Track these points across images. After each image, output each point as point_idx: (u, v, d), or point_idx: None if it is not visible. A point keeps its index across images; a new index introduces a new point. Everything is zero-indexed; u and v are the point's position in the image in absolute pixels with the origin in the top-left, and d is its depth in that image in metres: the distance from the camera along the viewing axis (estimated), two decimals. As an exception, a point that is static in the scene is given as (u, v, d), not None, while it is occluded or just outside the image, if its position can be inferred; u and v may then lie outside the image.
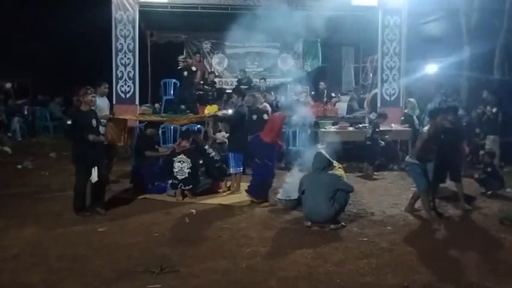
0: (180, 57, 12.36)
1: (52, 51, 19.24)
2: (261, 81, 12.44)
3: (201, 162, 7.71)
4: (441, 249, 5.28)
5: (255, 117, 8.22)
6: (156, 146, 8.75)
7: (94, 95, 6.77)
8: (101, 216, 6.36)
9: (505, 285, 4.36)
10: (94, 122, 6.52)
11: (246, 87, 12.87)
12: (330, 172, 6.23)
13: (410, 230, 5.90)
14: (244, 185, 7.63)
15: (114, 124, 7.81)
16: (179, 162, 7.48)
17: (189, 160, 7.50)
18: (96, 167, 6.36)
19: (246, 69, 14.68)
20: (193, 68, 12.04)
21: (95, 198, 6.58)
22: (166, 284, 4.32)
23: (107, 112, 8.17)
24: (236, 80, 13.81)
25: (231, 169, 7.78)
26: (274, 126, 7.24)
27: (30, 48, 18.10)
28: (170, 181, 7.53)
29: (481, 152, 9.06)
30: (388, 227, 6.00)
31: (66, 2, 18.51)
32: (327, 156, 6.25)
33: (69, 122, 6.38)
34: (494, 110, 8.99)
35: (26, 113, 15.40)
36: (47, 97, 17.28)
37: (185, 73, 11.75)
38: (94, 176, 6.35)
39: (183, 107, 11.38)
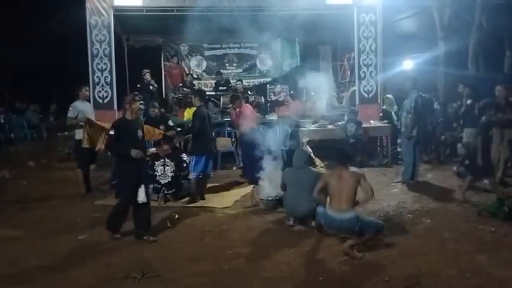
0: (145, 71, 12.39)
1: (27, 58, 18.96)
2: (238, 83, 12.45)
3: (184, 165, 7.66)
4: (421, 243, 5.35)
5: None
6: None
7: (142, 102, 6.29)
8: (152, 243, 5.55)
9: (484, 275, 4.43)
10: (140, 133, 5.74)
11: (224, 88, 12.88)
12: (311, 168, 6.30)
13: (390, 226, 5.94)
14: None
15: (92, 127, 7.74)
16: (162, 166, 7.43)
17: (172, 163, 7.46)
18: (142, 186, 5.59)
19: (225, 71, 14.70)
20: (151, 88, 12.20)
21: (140, 223, 5.69)
22: (148, 289, 4.31)
23: (92, 117, 8.08)
24: (215, 82, 13.78)
25: (191, 174, 7.42)
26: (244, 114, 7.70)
27: (4, 56, 17.81)
28: (152, 185, 7.46)
29: (459, 145, 9.18)
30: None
31: (41, 8, 18.29)
32: (308, 152, 6.31)
33: (111, 133, 5.56)
34: (469, 101, 9.12)
35: (2, 121, 15.12)
36: (24, 105, 17.02)
37: (151, 87, 12.13)
38: (141, 196, 5.57)
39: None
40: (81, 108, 7.89)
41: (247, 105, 9.19)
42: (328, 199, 5.28)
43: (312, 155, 7.13)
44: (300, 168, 6.13)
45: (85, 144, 7.69)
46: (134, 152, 5.45)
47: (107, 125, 8.16)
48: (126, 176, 5.62)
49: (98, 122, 7.93)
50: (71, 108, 7.87)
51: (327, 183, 5.23)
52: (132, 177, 5.55)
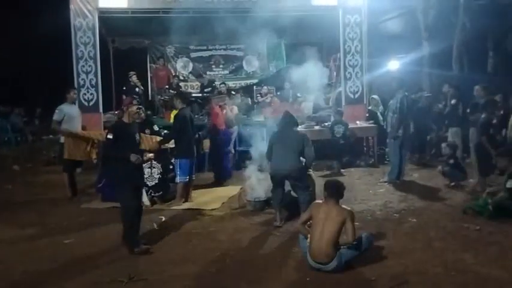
0: (131, 73, 12.45)
1: (11, 61, 18.75)
2: (221, 85, 12.43)
3: (171, 167, 7.62)
4: (407, 242, 5.38)
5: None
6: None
7: (140, 106, 6.10)
8: (146, 253, 5.23)
9: (470, 273, 4.48)
10: (137, 136, 5.64)
11: (209, 89, 12.85)
12: (297, 130, 6.50)
13: (377, 225, 5.99)
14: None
15: (75, 139, 7.70)
16: (149, 168, 7.38)
17: (159, 165, 7.42)
18: (143, 189, 5.44)
19: (212, 72, 14.68)
20: (137, 90, 12.25)
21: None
22: (135, 293, 4.28)
23: (79, 120, 8.04)
24: (200, 85, 13.76)
25: (177, 178, 7.33)
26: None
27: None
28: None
29: (443, 145, 9.27)
30: (356, 223, 6.04)
31: (24, 10, 18.10)
32: (294, 116, 6.54)
33: (110, 137, 5.35)
34: (453, 101, 9.22)
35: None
36: (7, 108, 16.81)
37: (137, 89, 12.18)
38: (145, 200, 5.47)
39: None
40: (68, 111, 7.83)
41: (217, 107, 9.33)
42: (309, 237, 4.71)
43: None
44: (287, 130, 6.27)
45: (65, 156, 7.74)
46: (134, 158, 5.30)
47: (94, 134, 8.11)
48: (125, 180, 5.36)
49: (83, 133, 7.87)
50: (56, 111, 7.80)
51: (312, 216, 4.77)
52: (132, 182, 5.40)
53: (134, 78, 12.27)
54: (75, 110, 8.12)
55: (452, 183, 7.82)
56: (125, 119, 5.57)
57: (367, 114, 10.90)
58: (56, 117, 7.76)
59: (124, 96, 12.24)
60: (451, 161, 8.02)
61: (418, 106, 9.99)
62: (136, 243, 5.25)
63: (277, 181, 6.20)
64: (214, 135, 9.18)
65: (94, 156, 8.18)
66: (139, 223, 5.46)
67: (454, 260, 4.78)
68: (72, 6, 10.10)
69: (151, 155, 6.06)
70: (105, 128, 9.43)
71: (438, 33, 12.12)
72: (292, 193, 6.38)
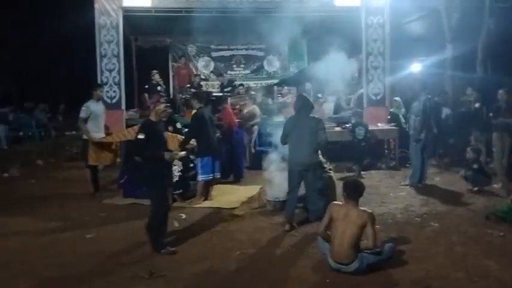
0: (153, 72, 12.53)
1: (36, 58, 19.14)
2: (240, 87, 12.45)
3: (191, 165, 7.66)
4: (429, 246, 5.32)
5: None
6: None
7: (168, 105, 6.06)
8: (170, 253, 5.20)
9: (492, 279, 4.41)
10: (165, 135, 5.64)
11: (228, 89, 12.89)
12: (312, 116, 6.23)
13: (398, 229, 5.94)
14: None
15: (98, 147, 7.83)
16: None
17: (180, 163, 7.46)
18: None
19: (232, 72, 14.72)
20: (159, 88, 12.32)
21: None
22: (156, 289, 4.33)
23: (103, 118, 8.15)
24: (219, 84, 13.81)
25: (198, 176, 7.36)
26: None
27: (13, 55, 17.97)
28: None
29: (468, 149, 9.14)
30: (377, 226, 6.01)
31: (50, 8, 18.42)
32: (309, 98, 6.39)
33: (141, 136, 5.24)
34: (477, 105, 9.08)
35: (11, 120, 15.23)
36: (31, 104, 17.14)
37: (159, 87, 12.24)
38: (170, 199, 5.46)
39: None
40: (94, 108, 7.90)
41: (228, 107, 9.41)
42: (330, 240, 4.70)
43: (320, 156, 7.08)
44: (302, 116, 6.13)
45: (90, 162, 7.84)
46: (168, 155, 5.30)
47: (117, 135, 8.18)
48: (157, 180, 5.30)
49: (107, 139, 7.99)
50: (83, 108, 7.84)
51: (332, 217, 4.71)
52: (164, 181, 5.39)
53: (157, 77, 12.40)
54: (101, 107, 8.17)
55: (476, 188, 7.69)
56: (152, 118, 5.50)
57: (388, 117, 10.81)
58: (82, 114, 7.81)
59: (146, 94, 12.40)
60: (475, 166, 7.88)
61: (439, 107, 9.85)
62: (162, 245, 5.23)
63: (294, 176, 6.07)
64: (228, 135, 9.15)
65: (118, 159, 8.31)
66: (166, 223, 5.46)
67: (477, 266, 4.72)
68: (96, 5, 10.27)
69: (183, 153, 6.03)
70: (127, 126, 9.58)
71: (462, 35, 11.92)
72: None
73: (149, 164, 5.31)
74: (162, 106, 5.56)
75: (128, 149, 8.24)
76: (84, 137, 7.95)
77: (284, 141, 6.18)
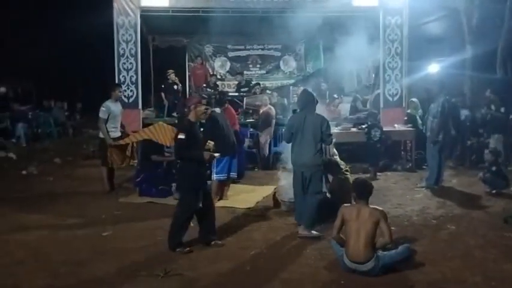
0: (169, 71, 12.70)
1: (55, 57, 19.40)
2: (256, 87, 12.44)
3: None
4: (445, 249, 5.26)
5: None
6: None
7: (208, 106, 6.03)
8: (219, 247, 5.36)
9: (506, 284, 4.33)
10: (201, 135, 5.67)
11: (245, 89, 12.91)
12: (317, 114, 5.94)
13: (414, 231, 5.88)
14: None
15: (117, 149, 7.90)
16: None
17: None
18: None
19: (249, 72, 14.73)
20: (175, 88, 12.53)
21: (208, 227, 5.49)
22: (170, 287, 4.33)
23: (120, 118, 8.20)
24: (236, 83, 13.84)
25: (213, 175, 7.28)
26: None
27: (32, 54, 18.23)
28: (174, 184, 7.51)
29: (486, 151, 9.02)
30: (392, 228, 5.95)
31: (68, 7, 18.65)
32: (313, 93, 6.07)
33: (182, 137, 5.22)
34: (503, 109, 8.96)
35: (30, 117, 15.45)
36: (50, 102, 17.37)
37: (175, 86, 12.49)
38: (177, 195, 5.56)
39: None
40: (113, 108, 7.95)
41: (230, 107, 9.16)
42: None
43: (337, 157, 7.04)
44: (306, 113, 5.83)
45: (106, 164, 7.91)
46: (207, 155, 5.32)
47: (134, 136, 8.23)
48: (195, 180, 5.31)
49: (125, 141, 8.03)
50: (103, 108, 7.86)
51: (345, 219, 4.67)
52: (199, 182, 5.38)
53: (172, 76, 12.49)
54: (119, 107, 8.20)
55: (494, 191, 7.59)
56: (191, 118, 5.46)
57: (405, 118, 10.70)
58: (102, 114, 7.83)
59: (163, 94, 12.49)
60: (494, 168, 7.77)
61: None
62: (180, 244, 5.24)
63: (298, 179, 5.87)
64: None
65: (135, 160, 8.37)
66: (189, 224, 5.43)
67: (494, 270, 4.65)
68: (115, 5, 10.33)
69: (218, 154, 6.04)
70: (143, 125, 9.67)
71: (482, 36, 11.76)
72: (328, 194, 6.31)
73: (188, 164, 5.35)
74: (203, 108, 5.55)
75: (144, 149, 8.29)
76: (101, 135, 8.01)
77: (289, 139, 5.95)
